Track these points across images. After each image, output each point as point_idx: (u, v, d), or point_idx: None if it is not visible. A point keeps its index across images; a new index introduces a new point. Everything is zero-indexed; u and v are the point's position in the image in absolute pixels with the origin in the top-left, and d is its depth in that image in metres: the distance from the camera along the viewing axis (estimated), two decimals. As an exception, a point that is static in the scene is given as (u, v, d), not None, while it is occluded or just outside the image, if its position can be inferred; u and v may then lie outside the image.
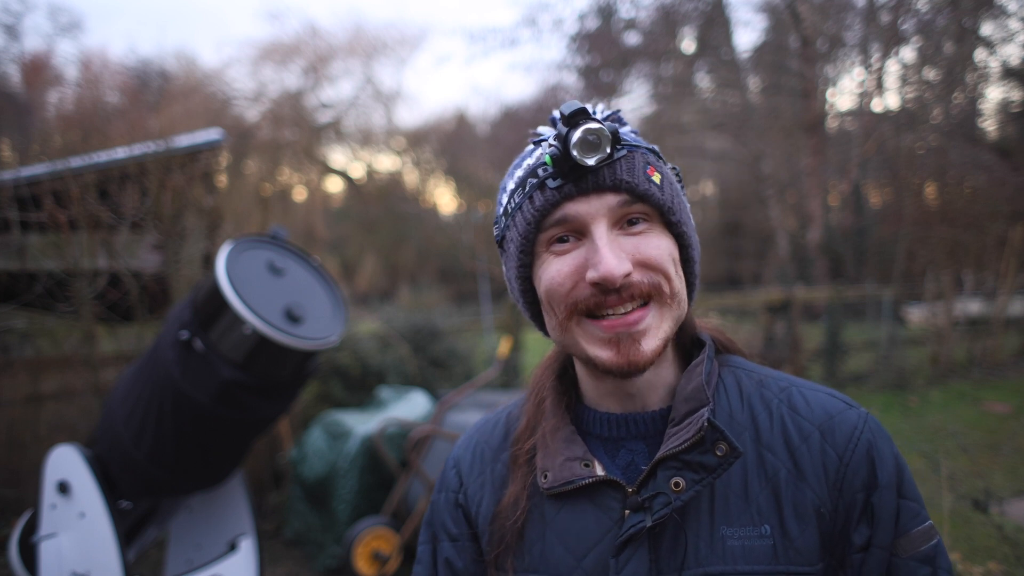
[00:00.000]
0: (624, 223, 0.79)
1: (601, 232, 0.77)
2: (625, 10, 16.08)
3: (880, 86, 14.70)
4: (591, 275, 0.76)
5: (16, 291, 3.71)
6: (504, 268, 0.90)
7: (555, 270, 0.80)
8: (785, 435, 0.81)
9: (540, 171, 0.80)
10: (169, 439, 2.00)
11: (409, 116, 41.90)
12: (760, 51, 17.07)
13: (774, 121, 14.93)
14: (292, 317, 2.01)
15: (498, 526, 0.88)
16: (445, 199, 25.63)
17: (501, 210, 0.86)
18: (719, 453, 0.76)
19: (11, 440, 4.04)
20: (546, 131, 0.84)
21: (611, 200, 0.78)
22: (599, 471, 0.82)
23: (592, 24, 16.32)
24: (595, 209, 0.78)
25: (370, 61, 22.68)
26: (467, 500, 0.94)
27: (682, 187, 0.87)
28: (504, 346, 5.41)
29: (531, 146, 0.85)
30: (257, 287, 2.01)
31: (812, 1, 14.00)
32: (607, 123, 0.77)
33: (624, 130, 0.83)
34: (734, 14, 19.82)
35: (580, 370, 0.91)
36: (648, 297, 0.78)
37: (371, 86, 22.77)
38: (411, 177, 25.03)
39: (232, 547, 2.24)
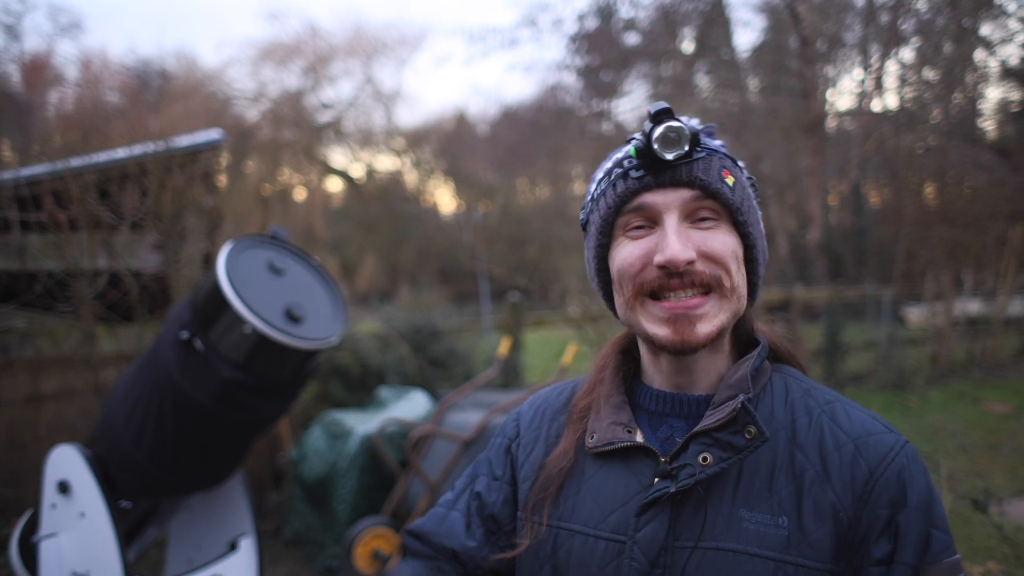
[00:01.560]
0: (695, 218, 0.86)
1: (672, 221, 0.85)
2: (625, 10, 16.09)
3: (880, 86, 14.70)
4: (658, 258, 0.84)
5: (16, 291, 3.71)
6: (585, 249, 0.98)
7: (627, 252, 0.88)
8: (820, 440, 0.85)
9: (626, 162, 0.89)
10: (169, 439, 2.00)
11: (409, 116, 41.89)
12: (760, 51, 17.05)
13: (774, 121, 14.90)
14: (292, 317, 2.01)
15: (544, 474, 0.96)
16: (445, 199, 25.60)
17: (589, 197, 0.96)
18: (748, 436, 0.82)
19: (11, 440, 4.04)
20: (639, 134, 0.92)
21: (685, 194, 0.85)
22: (639, 438, 0.90)
23: (592, 24, 16.31)
24: (670, 201, 0.85)
25: (370, 61, 22.63)
26: (518, 449, 1.03)
27: (756, 195, 0.95)
28: (504, 346, 5.42)
29: (624, 145, 0.93)
30: (257, 287, 2.01)
31: (812, 1, 13.99)
32: (688, 124, 0.85)
33: (715, 143, 0.91)
34: (734, 14, 19.83)
35: (642, 349, 0.98)
36: (708, 287, 0.85)
37: (371, 86, 22.73)
38: (411, 177, 24.97)
39: (232, 547, 2.24)
